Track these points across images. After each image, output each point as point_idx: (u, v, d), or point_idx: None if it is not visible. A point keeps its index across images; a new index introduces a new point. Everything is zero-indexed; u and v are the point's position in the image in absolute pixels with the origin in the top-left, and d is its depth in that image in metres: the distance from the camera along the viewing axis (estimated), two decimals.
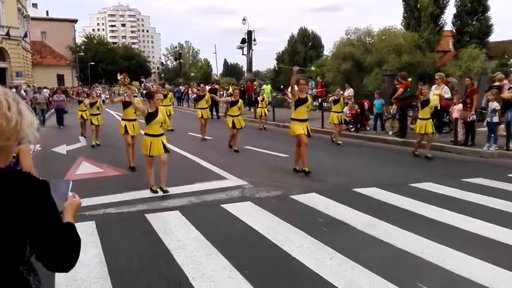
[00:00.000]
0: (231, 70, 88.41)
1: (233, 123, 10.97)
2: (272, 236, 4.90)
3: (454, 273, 3.85)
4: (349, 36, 45.29)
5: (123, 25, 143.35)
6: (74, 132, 15.54)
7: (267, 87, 23.27)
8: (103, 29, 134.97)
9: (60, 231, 1.44)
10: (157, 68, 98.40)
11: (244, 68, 37.23)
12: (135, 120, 9.22)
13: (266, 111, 16.85)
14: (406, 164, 9.38)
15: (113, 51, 74.91)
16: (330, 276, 3.84)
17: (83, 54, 63.18)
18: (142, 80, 55.26)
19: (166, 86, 21.07)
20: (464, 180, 7.44)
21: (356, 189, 6.94)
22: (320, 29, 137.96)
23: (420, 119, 9.76)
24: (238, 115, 11.19)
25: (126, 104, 9.17)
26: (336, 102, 12.16)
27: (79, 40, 71.04)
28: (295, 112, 8.26)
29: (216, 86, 21.73)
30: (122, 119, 9.34)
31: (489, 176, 7.66)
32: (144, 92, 21.28)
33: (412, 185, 7.15)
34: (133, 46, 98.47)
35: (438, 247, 4.46)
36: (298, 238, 4.83)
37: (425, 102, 9.71)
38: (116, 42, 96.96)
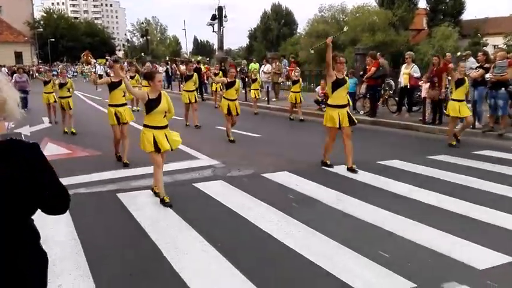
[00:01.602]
0: (201, 48, 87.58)
1: (229, 108, 9.73)
2: (243, 212, 5.21)
3: (413, 242, 4.27)
4: (322, 13, 45.62)
5: None
6: (37, 113, 15.35)
7: (255, 66, 20.94)
8: (63, 3, 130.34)
9: (57, 180, 1.79)
10: (123, 45, 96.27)
11: (215, 46, 37.08)
12: (125, 104, 8.03)
13: (259, 94, 15.46)
14: (375, 143, 9.84)
15: (74, 27, 72.93)
16: (297, 247, 4.19)
17: (42, 30, 61.26)
18: (107, 58, 54.10)
19: (147, 64, 19.87)
20: (430, 157, 7.94)
21: (325, 167, 7.32)
22: (293, 5, 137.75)
23: (454, 100, 8.91)
24: (236, 99, 9.90)
25: (112, 86, 7.84)
26: (294, 82, 13.03)
27: (37, 15, 68.66)
28: (333, 96, 7.07)
29: (198, 66, 19.86)
30: (110, 105, 7.95)
31: (454, 153, 8.20)
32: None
33: (380, 162, 7.59)
34: (96, 22, 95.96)
35: (400, 219, 4.88)
36: (269, 213, 5.17)
37: (460, 82, 8.81)
38: (77, 18, 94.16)
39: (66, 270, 3.74)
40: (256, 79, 15.51)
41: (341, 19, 44.10)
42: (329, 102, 7.18)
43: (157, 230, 4.73)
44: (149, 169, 7.22)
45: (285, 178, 6.74)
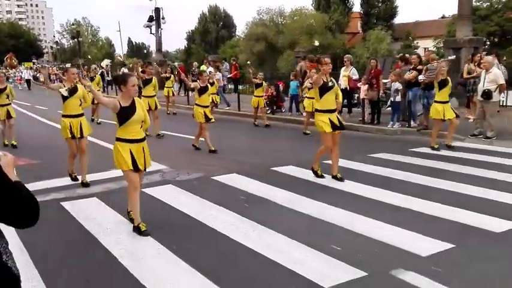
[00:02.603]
0: (136, 50, 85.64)
1: (205, 115, 9.22)
2: (196, 214, 5.30)
3: (362, 235, 4.58)
4: (261, 16, 46.31)
5: None
6: None
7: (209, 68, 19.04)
8: None
9: (21, 194, 1.70)
10: (51, 47, 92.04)
11: (151, 48, 36.49)
12: (82, 115, 6.98)
13: (217, 99, 14.43)
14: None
15: None
16: (254, 245, 4.35)
17: None
18: (34, 61, 51.43)
19: (93, 66, 18.28)
20: (371, 155, 8.43)
21: (274, 168, 7.57)
22: (232, 8, 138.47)
23: (438, 102, 8.58)
24: (209, 105, 9.63)
25: (69, 93, 6.79)
26: (257, 86, 12.75)
27: None
28: (321, 101, 6.70)
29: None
30: (64, 116, 6.90)
31: (392, 151, 8.75)
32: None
33: (325, 162, 7.93)
34: (20, 23, 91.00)
35: (348, 214, 5.20)
36: (222, 215, 5.29)
37: (443, 83, 8.51)
38: None
39: None
40: (213, 82, 13.32)
41: (279, 22, 45.06)
42: (317, 107, 6.82)
43: (109, 236, 4.70)
44: (94, 176, 7.09)
45: (234, 180, 6.89)
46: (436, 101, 8.64)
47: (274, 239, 4.51)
